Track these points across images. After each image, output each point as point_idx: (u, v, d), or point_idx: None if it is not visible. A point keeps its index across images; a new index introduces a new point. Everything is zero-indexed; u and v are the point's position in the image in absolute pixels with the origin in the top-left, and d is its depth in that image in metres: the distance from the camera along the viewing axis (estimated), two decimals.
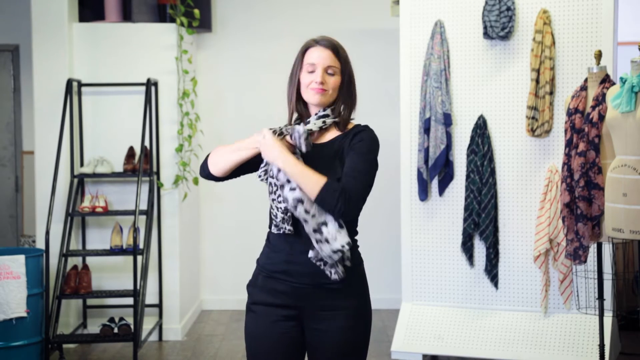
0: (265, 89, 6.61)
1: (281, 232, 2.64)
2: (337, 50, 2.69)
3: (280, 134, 2.64)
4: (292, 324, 2.66)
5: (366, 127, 2.72)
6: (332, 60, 2.67)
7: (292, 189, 2.56)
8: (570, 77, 4.88)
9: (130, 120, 5.81)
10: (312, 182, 2.53)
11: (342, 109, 2.71)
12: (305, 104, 2.73)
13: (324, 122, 2.68)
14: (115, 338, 5.35)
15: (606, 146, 3.89)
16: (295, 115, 2.74)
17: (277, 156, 2.56)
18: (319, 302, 2.64)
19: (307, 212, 2.55)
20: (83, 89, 5.83)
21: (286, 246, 2.65)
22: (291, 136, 2.63)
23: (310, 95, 2.67)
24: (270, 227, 2.71)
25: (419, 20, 5.17)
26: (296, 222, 2.63)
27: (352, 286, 2.68)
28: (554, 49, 4.87)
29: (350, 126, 2.73)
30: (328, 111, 2.69)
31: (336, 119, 2.69)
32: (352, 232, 2.71)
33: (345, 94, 2.71)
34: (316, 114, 2.69)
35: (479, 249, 5.11)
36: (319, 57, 2.67)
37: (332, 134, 2.71)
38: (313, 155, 2.64)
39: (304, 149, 2.60)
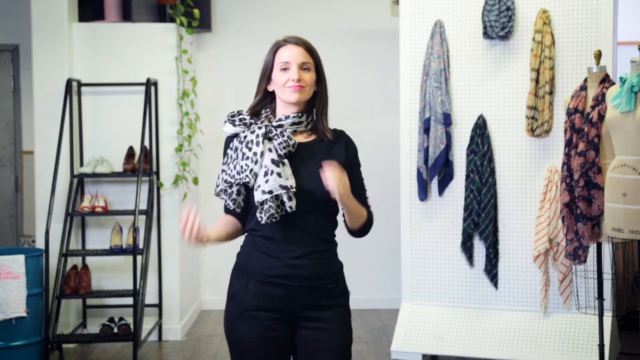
0: None
1: (275, 219, 2.57)
2: (308, 47, 2.67)
3: (245, 122, 2.64)
4: (282, 326, 2.64)
5: (345, 133, 2.76)
6: (305, 56, 2.65)
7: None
8: (570, 77, 4.88)
9: (130, 120, 5.81)
10: (361, 214, 2.66)
11: (316, 114, 2.68)
12: (272, 101, 2.70)
13: (294, 130, 2.66)
14: (115, 338, 5.35)
15: (606, 146, 3.89)
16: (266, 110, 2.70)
17: (346, 189, 2.53)
18: (315, 302, 2.64)
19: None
20: (83, 88, 5.83)
21: (284, 248, 2.62)
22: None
23: (288, 94, 2.62)
24: (254, 230, 2.67)
25: (418, 20, 5.17)
26: (292, 220, 2.59)
27: (340, 285, 2.72)
28: (554, 48, 4.87)
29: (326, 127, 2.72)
30: (303, 118, 2.67)
31: (309, 125, 2.68)
32: (333, 234, 2.73)
33: (320, 95, 2.69)
34: (287, 117, 2.65)
35: (479, 248, 5.11)
36: (291, 54, 2.63)
37: (309, 135, 2.70)
38: (300, 155, 2.63)
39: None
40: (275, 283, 2.62)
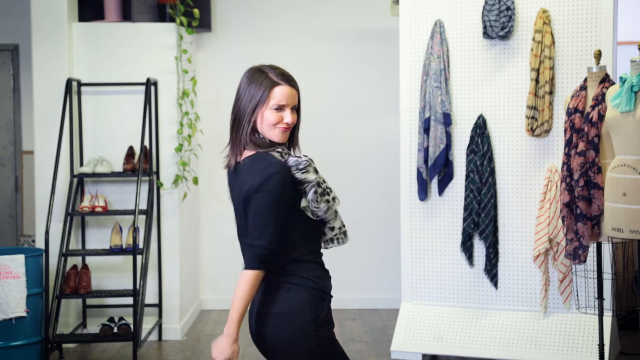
0: None
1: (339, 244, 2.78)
2: (298, 88, 2.72)
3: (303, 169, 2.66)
4: None
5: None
6: (296, 98, 2.71)
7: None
8: (569, 76, 4.88)
9: (130, 120, 5.81)
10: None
11: (293, 145, 2.78)
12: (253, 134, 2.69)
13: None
14: (114, 338, 5.35)
15: (606, 146, 3.89)
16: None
17: None
18: None
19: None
20: (83, 88, 5.83)
21: (324, 264, 2.80)
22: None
23: (276, 134, 2.66)
24: (313, 256, 2.75)
25: (418, 20, 5.17)
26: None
27: None
28: (554, 48, 4.87)
29: None
30: (285, 149, 2.73)
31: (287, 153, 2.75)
32: None
33: (298, 128, 2.77)
34: (281, 150, 2.69)
35: (479, 248, 5.11)
36: (289, 96, 2.67)
37: None
38: None
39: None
40: (330, 296, 2.79)
